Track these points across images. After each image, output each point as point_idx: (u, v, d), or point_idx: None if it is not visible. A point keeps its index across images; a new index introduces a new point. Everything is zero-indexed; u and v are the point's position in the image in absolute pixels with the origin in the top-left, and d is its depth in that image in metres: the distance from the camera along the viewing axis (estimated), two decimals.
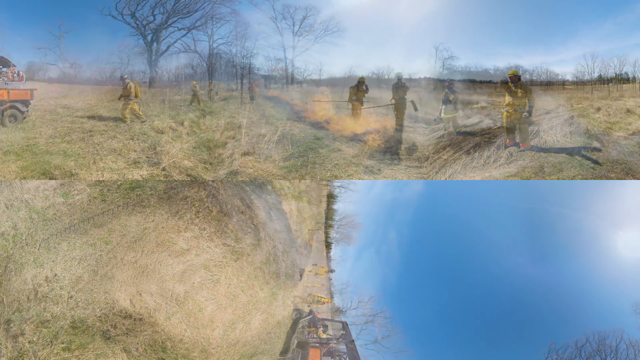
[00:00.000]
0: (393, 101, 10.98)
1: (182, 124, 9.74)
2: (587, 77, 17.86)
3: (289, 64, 17.03)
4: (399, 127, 11.13)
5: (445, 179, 8.00)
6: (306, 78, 17.38)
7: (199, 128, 10.02)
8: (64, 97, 13.39)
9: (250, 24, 15.71)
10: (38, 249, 4.57)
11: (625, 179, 7.05)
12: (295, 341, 5.29)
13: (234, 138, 8.94)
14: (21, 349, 4.09)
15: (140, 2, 14.21)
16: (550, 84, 18.88)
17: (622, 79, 17.29)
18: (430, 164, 8.68)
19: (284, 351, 6.35)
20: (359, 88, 11.25)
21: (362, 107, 11.51)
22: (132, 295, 4.92)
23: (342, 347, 5.13)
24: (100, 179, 6.31)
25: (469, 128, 11.41)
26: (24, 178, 6.41)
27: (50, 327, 4.29)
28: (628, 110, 13.25)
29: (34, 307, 4.33)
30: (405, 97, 10.93)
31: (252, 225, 8.69)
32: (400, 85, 10.90)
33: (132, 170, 6.80)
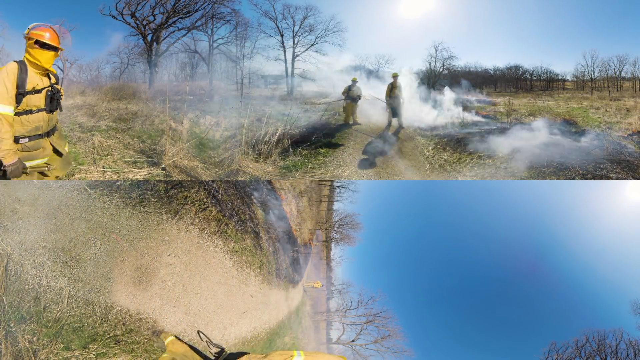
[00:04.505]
0: (388, 105, 11.26)
1: (182, 123, 9.74)
2: (587, 77, 17.85)
3: (289, 64, 17.03)
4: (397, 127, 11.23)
5: (445, 179, 8.00)
6: (306, 78, 17.39)
7: (199, 128, 10.03)
8: (64, 97, 13.37)
9: (250, 23, 15.71)
10: (38, 249, 4.57)
11: (625, 179, 7.05)
12: None
13: (234, 138, 8.95)
14: (21, 349, 4.08)
15: (140, 2, 14.20)
16: (551, 84, 18.86)
17: (622, 79, 17.28)
18: (430, 163, 8.68)
19: None
20: (351, 88, 11.57)
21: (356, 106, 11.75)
22: (132, 295, 4.92)
23: None
24: (100, 179, 6.32)
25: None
26: (23, 178, 6.41)
27: (50, 327, 4.28)
28: (628, 110, 13.25)
29: (34, 307, 4.32)
30: (401, 97, 11.09)
31: (252, 225, 8.69)
32: (394, 85, 11.11)
33: (132, 170, 6.80)
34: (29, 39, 3.72)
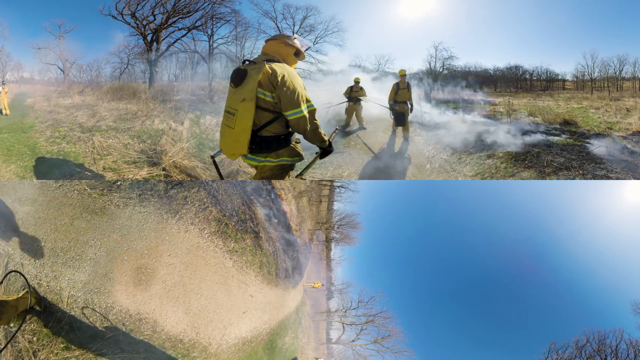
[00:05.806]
0: (391, 111, 9.82)
1: (182, 123, 9.74)
2: (587, 77, 17.84)
3: None
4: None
5: (445, 179, 8.00)
6: (306, 78, 17.39)
7: (199, 128, 10.02)
8: (64, 97, 13.40)
9: (250, 24, 15.72)
10: (38, 249, 4.57)
11: (625, 179, 7.04)
12: None
13: None
14: (21, 349, 4.08)
15: (140, 2, 14.21)
16: (551, 84, 18.85)
17: (622, 79, 17.26)
18: (431, 163, 8.67)
19: None
20: (353, 88, 11.24)
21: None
22: (132, 295, 4.92)
23: None
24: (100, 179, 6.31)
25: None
26: (24, 178, 6.41)
27: (50, 327, 4.28)
28: (628, 110, 13.24)
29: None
30: (409, 101, 9.69)
31: (252, 225, 8.69)
32: (401, 86, 9.66)
33: (132, 170, 6.80)
34: (291, 46, 3.69)
